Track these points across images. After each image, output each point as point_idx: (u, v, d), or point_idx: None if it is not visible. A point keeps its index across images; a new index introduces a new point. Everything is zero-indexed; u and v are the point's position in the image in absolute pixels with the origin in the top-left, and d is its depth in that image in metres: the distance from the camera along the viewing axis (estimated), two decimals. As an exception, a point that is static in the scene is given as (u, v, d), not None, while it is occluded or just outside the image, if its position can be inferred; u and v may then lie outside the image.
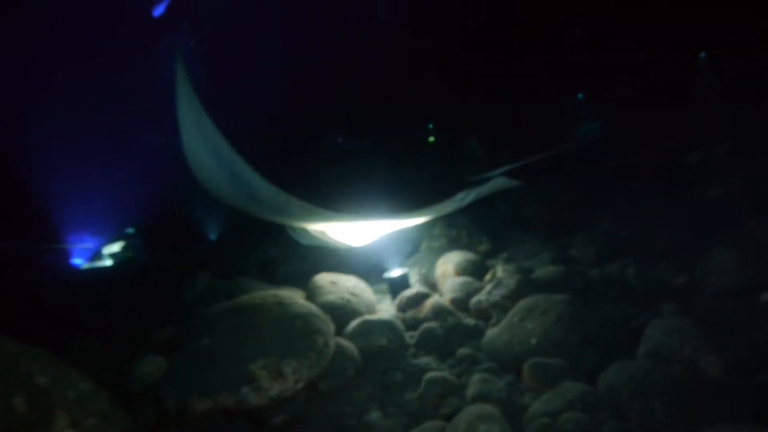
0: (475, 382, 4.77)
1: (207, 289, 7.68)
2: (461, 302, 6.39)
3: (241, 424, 4.37)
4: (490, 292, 6.17)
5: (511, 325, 5.42)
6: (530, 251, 7.86)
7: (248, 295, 5.51)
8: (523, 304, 5.58)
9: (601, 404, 4.08)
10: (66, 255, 11.41)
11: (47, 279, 10.54)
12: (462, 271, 6.88)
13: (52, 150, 11.56)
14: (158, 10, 13.29)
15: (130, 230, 11.79)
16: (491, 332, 5.70)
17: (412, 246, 8.38)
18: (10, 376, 3.14)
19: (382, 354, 5.45)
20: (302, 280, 8.25)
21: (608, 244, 7.31)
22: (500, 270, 6.40)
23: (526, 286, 6.13)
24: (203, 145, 4.75)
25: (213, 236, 11.77)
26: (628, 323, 5.32)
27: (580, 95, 12.63)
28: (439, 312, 6.02)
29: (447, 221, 8.22)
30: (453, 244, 7.90)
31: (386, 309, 6.66)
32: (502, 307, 5.99)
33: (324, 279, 6.48)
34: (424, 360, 5.42)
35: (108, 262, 11.10)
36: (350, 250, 8.20)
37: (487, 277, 6.59)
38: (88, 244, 11.69)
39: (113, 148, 12.50)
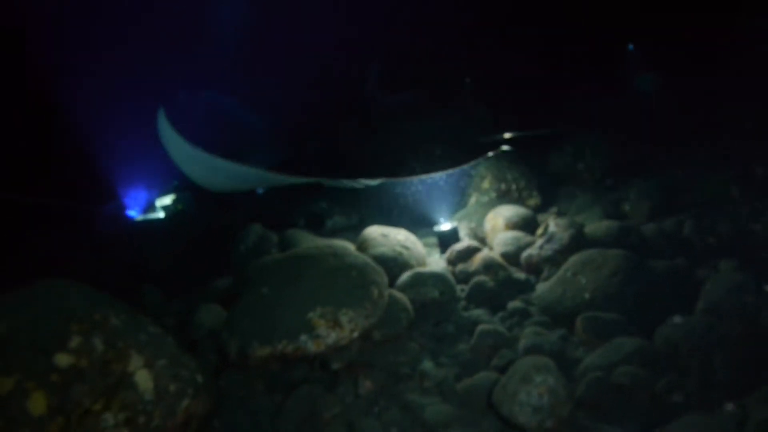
0: (527, 335, 4.81)
1: (259, 240, 7.83)
2: (512, 256, 6.38)
3: (299, 370, 4.53)
4: (541, 247, 6.13)
5: (564, 279, 5.39)
6: (582, 205, 7.74)
7: (305, 246, 5.63)
8: (576, 258, 5.54)
9: (658, 359, 4.06)
10: (121, 207, 11.79)
11: (105, 230, 10.95)
12: (512, 225, 6.83)
13: (106, 106, 11.83)
14: None
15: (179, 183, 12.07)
16: (543, 286, 5.69)
17: (461, 199, 8.36)
18: (89, 318, 3.31)
19: (434, 306, 5.52)
20: (350, 233, 8.38)
21: (663, 198, 7.14)
22: (552, 224, 6.32)
23: (578, 241, 6.07)
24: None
25: (261, 190, 11.95)
26: (686, 279, 5.24)
27: (630, 46, 12.16)
28: (489, 265, 6.02)
29: (497, 175, 8.15)
30: (503, 198, 7.84)
31: (436, 262, 6.70)
32: (553, 261, 5.96)
33: (375, 232, 6.53)
34: (476, 313, 5.46)
35: (161, 214, 11.42)
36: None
37: (539, 231, 6.53)
38: (142, 196, 12.04)
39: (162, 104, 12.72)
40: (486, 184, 8.08)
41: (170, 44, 12.76)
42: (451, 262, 6.33)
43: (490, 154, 8.35)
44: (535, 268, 6.10)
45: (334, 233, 8.73)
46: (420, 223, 8.01)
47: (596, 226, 6.57)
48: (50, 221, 10.82)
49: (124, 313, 3.62)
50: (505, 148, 8.53)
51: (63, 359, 3.06)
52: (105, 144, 11.65)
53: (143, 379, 3.30)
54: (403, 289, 5.50)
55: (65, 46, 11.90)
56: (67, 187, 11.68)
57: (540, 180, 8.54)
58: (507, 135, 9.13)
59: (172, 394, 3.38)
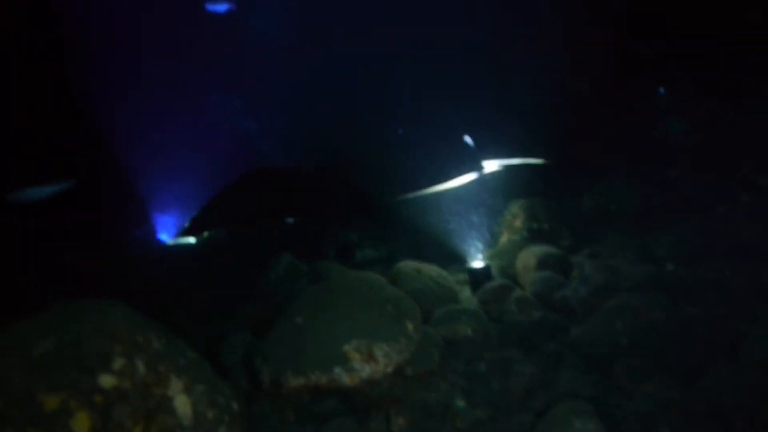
0: (564, 378, 4.72)
1: (289, 269, 7.87)
2: (544, 296, 6.30)
3: (330, 402, 4.50)
4: (576, 288, 6.06)
5: (600, 323, 5.31)
6: (614, 247, 7.65)
7: (340, 277, 5.63)
8: (612, 303, 5.46)
9: (700, 411, 3.95)
10: (153, 231, 11.98)
11: (136, 253, 11.11)
12: (544, 264, 6.77)
13: (141, 133, 12.12)
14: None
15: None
16: (578, 329, 5.60)
17: (491, 238, 8.34)
18: (132, 340, 3.34)
19: (466, 344, 5.46)
20: (379, 266, 8.38)
21: (698, 243, 7.03)
22: (587, 266, 6.26)
23: (613, 284, 5.99)
24: None
25: (290, 220, 12.07)
26: (725, 328, 5.11)
27: (661, 90, 12.16)
28: (523, 305, 5.96)
29: (529, 214, 8.13)
30: (534, 238, 7.79)
31: (467, 300, 6.65)
32: (588, 303, 5.87)
33: (408, 266, 6.54)
34: (509, 352, 5.38)
35: (191, 240, 11.57)
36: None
37: (574, 273, 6.47)
38: (173, 221, 12.23)
39: (197, 132, 13.07)
40: (518, 223, 8.06)
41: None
42: (484, 300, 6.28)
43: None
44: (569, 309, 6.01)
45: (363, 265, 8.74)
46: (450, 260, 7.99)
47: (632, 268, 6.49)
48: (84, 243, 11.02)
49: (165, 336, 3.64)
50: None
51: (107, 380, 3.08)
52: (140, 168, 11.90)
53: (182, 404, 3.30)
54: (436, 325, 5.47)
55: (105, 69, 12.27)
56: (101, 210, 11.94)
57: (572, 220, 8.48)
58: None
59: (210, 421, 3.37)
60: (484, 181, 9.18)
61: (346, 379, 4.33)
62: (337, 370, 4.33)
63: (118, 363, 3.18)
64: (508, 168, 9.05)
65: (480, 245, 7.87)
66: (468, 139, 10.78)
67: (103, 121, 11.71)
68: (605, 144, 9.95)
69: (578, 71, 9.90)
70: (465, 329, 5.50)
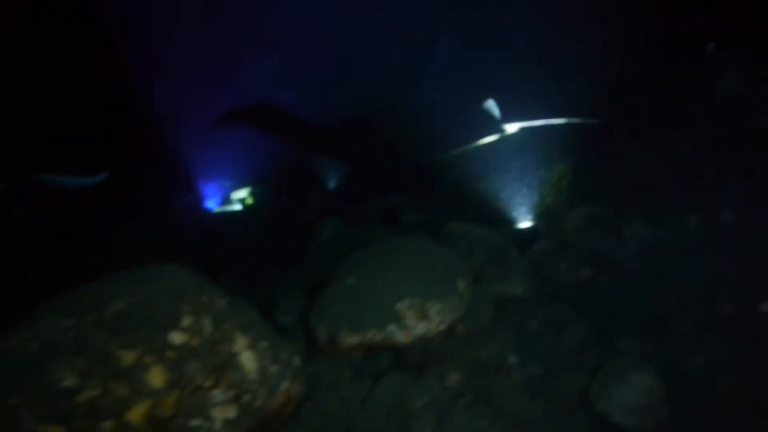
0: (616, 336, 4.71)
1: (335, 233, 7.99)
2: (593, 256, 6.23)
3: (384, 359, 4.61)
4: (625, 248, 6.01)
5: (651, 281, 5.26)
6: (664, 208, 7.49)
7: (389, 240, 5.69)
8: (663, 261, 5.40)
9: (763, 364, 3.90)
10: (200, 199, 12.26)
11: (184, 220, 11.41)
12: (592, 224, 6.68)
13: (190, 104, 12.31)
14: None
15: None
16: (629, 288, 5.55)
17: (538, 199, 8.26)
18: (197, 299, 3.48)
19: (517, 303, 5.48)
20: (424, 229, 8.41)
21: (753, 205, 6.81)
22: (636, 226, 6.19)
23: (663, 243, 5.91)
24: None
25: (332, 184, 12.19)
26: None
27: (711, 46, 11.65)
28: (572, 264, 5.94)
29: (576, 175, 8.00)
30: (581, 199, 7.67)
31: (516, 259, 6.63)
32: (638, 262, 5.81)
33: (456, 227, 6.54)
34: (560, 311, 5.38)
35: (237, 207, 11.81)
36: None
37: (623, 232, 6.38)
38: (219, 189, 12.49)
39: (243, 104, 13.23)
40: (564, 184, 7.94)
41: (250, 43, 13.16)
42: (533, 260, 6.26)
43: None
44: (619, 269, 5.94)
45: (408, 229, 8.78)
46: (496, 222, 7.95)
47: (682, 228, 6.35)
48: (134, 211, 11.36)
49: (226, 296, 3.77)
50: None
51: (177, 337, 3.22)
52: (185, 138, 12.12)
53: (247, 359, 3.43)
54: (486, 284, 5.49)
55: (149, 45, 12.45)
56: (149, 179, 12.25)
57: (620, 181, 8.31)
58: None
59: (274, 376, 3.50)
60: (528, 141, 9.02)
61: (400, 337, 4.42)
62: (392, 327, 4.42)
63: (186, 321, 3.32)
64: (553, 129, 8.87)
65: (526, 206, 7.81)
66: (491, 102, 10.66)
67: (150, 93, 11.94)
68: (654, 106, 9.65)
69: (626, 31, 9.55)
70: (515, 288, 5.52)
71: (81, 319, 3.23)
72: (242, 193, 12.02)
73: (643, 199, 8.15)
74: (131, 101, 11.87)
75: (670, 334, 4.64)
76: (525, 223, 7.03)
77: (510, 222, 7.44)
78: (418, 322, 4.45)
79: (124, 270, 3.83)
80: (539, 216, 7.64)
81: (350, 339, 4.47)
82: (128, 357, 3.07)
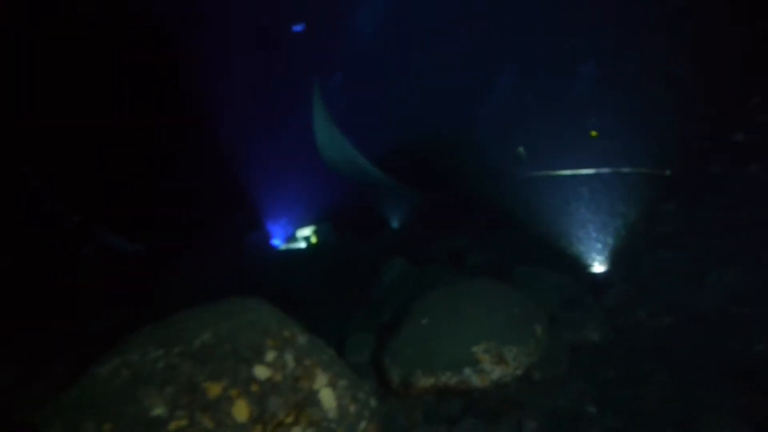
0: (702, 389, 4.46)
1: (402, 273, 7.97)
2: (675, 303, 5.97)
3: (456, 403, 4.50)
4: (711, 296, 5.74)
5: (740, 332, 4.97)
6: (752, 255, 7.15)
7: (460, 282, 5.63)
8: (752, 311, 5.10)
9: None
10: (266, 236, 12.54)
11: (251, 256, 11.67)
12: (673, 270, 6.44)
13: (257, 145, 12.74)
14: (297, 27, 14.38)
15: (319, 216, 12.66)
16: (715, 338, 5.27)
17: (613, 242, 8.01)
18: (280, 334, 3.51)
19: (593, 350, 5.29)
20: (492, 271, 8.28)
21: None
22: (723, 272, 5.90)
23: (752, 293, 5.60)
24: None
25: (396, 224, 12.24)
26: None
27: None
28: (653, 312, 5.70)
29: (654, 219, 7.76)
30: (661, 243, 7.41)
31: (591, 305, 6.43)
32: (726, 312, 5.52)
33: (528, 271, 6.44)
34: (640, 360, 5.15)
35: (302, 245, 11.99)
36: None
37: (708, 280, 6.10)
38: (285, 227, 12.74)
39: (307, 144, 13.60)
40: (642, 227, 7.70)
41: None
42: (609, 306, 6.05)
43: None
44: (704, 318, 5.66)
45: (475, 270, 8.67)
46: (566, 265, 7.74)
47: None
48: (204, 246, 11.71)
49: (306, 332, 3.80)
50: None
51: (261, 371, 3.25)
52: (255, 176, 12.49)
53: (327, 397, 3.42)
54: (562, 330, 5.33)
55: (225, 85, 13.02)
56: (219, 215, 12.65)
57: (701, 226, 8.01)
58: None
59: (353, 415, 3.47)
60: (604, 183, 8.82)
61: (476, 381, 4.32)
62: (467, 371, 4.33)
63: (270, 355, 3.35)
64: (632, 173, 8.64)
65: (600, 250, 7.59)
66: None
67: (223, 132, 12.47)
68: (731, 154, 9.33)
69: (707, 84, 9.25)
70: (591, 335, 5.34)
71: (169, 350, 3.31)
72: (307, 231, 12.21)
73: (727, 244, 7.81)
74: (209, 146, 12.40)
75: (761, 386, 4.36)
76: (599, 268, 6.81)
77: (583, 266, 7.23)
78: (494, 367, 4.35)
79: (204, 302, 3.94)
80: (614, 260, 7.40)
81: (424, 381, 4.40)
82: (214, 389, 3.11)
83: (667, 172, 8.92)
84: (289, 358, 3.41)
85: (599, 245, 7.54)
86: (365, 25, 14.45)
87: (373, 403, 3.76)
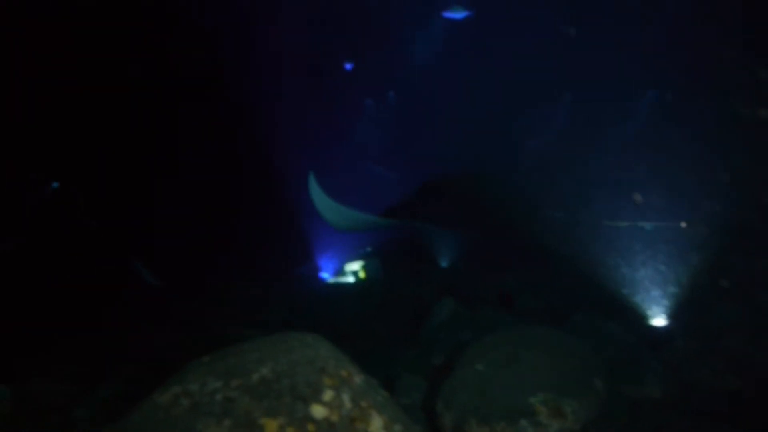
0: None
1: (452, 314, 7.85)
2: (742, 363, 5.69)
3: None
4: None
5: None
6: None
7: (515, 327, 5.51)
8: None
9: None
10: (315, 269, 12.60)
11: (301, 289, 11.74)
12: (742, 326, 6.14)
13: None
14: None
15: (369, 250, 12.68)
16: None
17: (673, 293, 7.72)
18: (338, 373, 3.47)
19: (653, 406, 5.07)
20: (544, 316, 8.09)
21: None
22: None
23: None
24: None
25: (445, 262, 12.13)
26: None
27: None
28: (718, 371, 5.43)
29: (720, 269, 7.44)
30: (726, 297, 7.10)
31: (649, 359, 6.18)
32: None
33: (585, 319, 6.26)
34: (702, 422, 4.89)
35: (350, 279, 11.99)
36: None
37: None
38: (333, 261, 12.79)
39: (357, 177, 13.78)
40: (705, 280, 7.38)
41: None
42: (671, 362, 5.80)
43: None
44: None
45: (525, 314, 8.48)
46: (622, 314, 7.48)
47: None
48: (255, 278, 11.87)
49: (362, 373, 3.74)
50: None
51: (318, 410, 3.21)
52: (306, 212, 12.64)
53: (382, 441, 3.35)
54: (621, 383, 5.13)
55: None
56: (270, 246, 12.83)
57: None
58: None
59: (407, 461, 3.38)
60: (664, 230, 8.51)
61: (532, 433, 4.17)
62: (524, 422, 4.18)
63: (328, 395, 3.31)
64: (693, 223, 8.32)
65: (659, 300, 7.31)
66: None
67: (275, 162, 12.72)
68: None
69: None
70: (652, 391, 5.11)
71: (227, 382, 3.31)
72: (355, 265, 12.22)
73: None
74: (260, 178, 12.66)
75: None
76: (658, 320, 6.56)
77: (640, 316, 6.97)
78: (551, 420, 4.19)
79: (254, 328, 3.95)
80: (675, 312, 7.11)
81: (478, 430, 4.26)
82: (271, 425, 3.08)
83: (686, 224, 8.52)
84: (346, 399, 3.36)
85: (658, 295, 7.27)
86: (415, 56, 14.66)
87: (425, 449, 3.67)
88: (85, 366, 7.10)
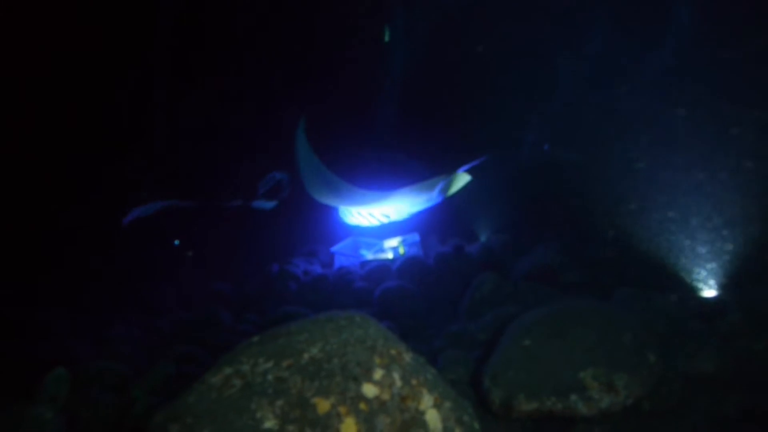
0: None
1: (494, 289, 7.80)
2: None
3: (562, 430, 4.31)
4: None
5: None
6: None
7: (561, 301, 5.43)
8: None
9: None
10: (355, 246, 12.66)
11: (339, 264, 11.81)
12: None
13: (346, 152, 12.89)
14: None
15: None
16: None
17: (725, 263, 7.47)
18: (387, 352, 3.48)
19: (709, 382, 4.95)
20: (588, 290, 7.96)
21: None
22: None
23: None
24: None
25: (485, 237, 12.04)
26: None
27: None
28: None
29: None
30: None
31: (702, 333, 6.03)
32: None
33: (632, 293, 6.13)
34: (761, 396, 4.76)
35: (389, 255, 12.01)
36: None
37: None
38: (371, 237, 12.81)
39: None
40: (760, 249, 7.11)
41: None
42: (725, 335, 5.64)
43: None
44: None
45: (568, 288, 8.35)
46: (669, 287, 7.27)
47: None
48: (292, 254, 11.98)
49: (411, 351, 3.74)
50: None
51: (369, 389, 3.23)
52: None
53: (433, 419, 3.34)
54: (674, 359, 5.01)
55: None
56: (309, 223, 12.91)
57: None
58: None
59: (458, 438, 3.38)
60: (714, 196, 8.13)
61: (582, 408, 4.12)
62: (574, 397, 4.14)
63: (378, 373, 3.32)
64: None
65: (710, 271, 7.10)
66: None
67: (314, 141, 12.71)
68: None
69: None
70: (706, 365, 4.99)
71: (279, 363, 3.35)
72: (394, 242, 12.23)
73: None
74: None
75: None
76: (708, 292, 6.37)
77: (689, 289, 6.79)
78: (603, 395, 4.14)
79: (313, 314, 3.98)
80: (727, 284, 6.90)
81: (527, 406, 4.24)
82: (323, 405, 3.11)
83: None
84: (396, 377, 3.37)
85: (709, 267, 7.05)
86: None
87: (477, 426, 3.64)
88: (141, 347, 7.32)
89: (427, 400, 3.41)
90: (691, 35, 9.52)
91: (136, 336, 7.73)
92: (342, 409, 3.12)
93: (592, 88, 11.07)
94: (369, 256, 12.20)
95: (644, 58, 10.12)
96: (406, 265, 10.35)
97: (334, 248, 12.43)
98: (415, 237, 12.11)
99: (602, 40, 11.34)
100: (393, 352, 3.53)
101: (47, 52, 10.88)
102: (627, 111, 9.61)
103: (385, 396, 3.26)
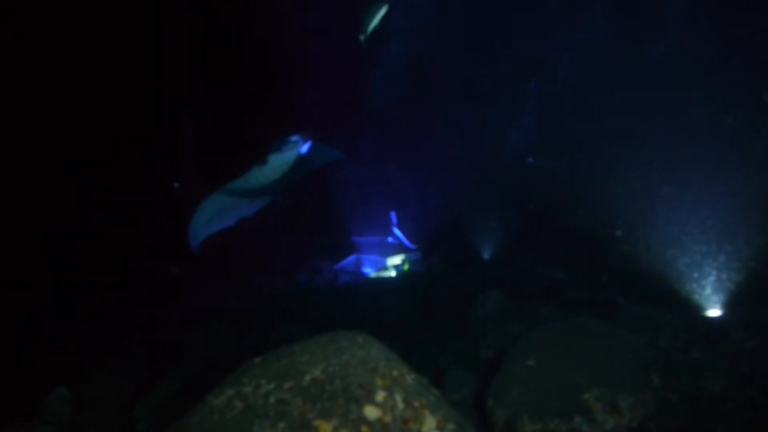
0: None
1: (497, 306, 7.77)
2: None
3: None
4: None
5: None
6: None
7: (565, 320, 5.41)
8: None
9: None
10: (358, 263, 12.67)
11: (343, 282, 11.81)
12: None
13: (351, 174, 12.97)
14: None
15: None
16: None
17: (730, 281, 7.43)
18: (389, 374, 3.47)
19: (714, 402, 4.90)
20: (592, 308, 7.91)
21: None
22: None
23: None
24: None
25: (487, 254, 12.02)
26: None
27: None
28: (781, 363, 5.22)
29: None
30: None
31: (707, 351, 5.99)
32: None
33: (637, 311, 6.11)
34: (762, 414, 4.72)
35: (392, 273, 12.00)
36: None
37: None
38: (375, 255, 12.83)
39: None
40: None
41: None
42: (730, 355, 5.59)
43: None
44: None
45: (572, 307, 8.31)
46: (674, 305, 7.22)
47: None
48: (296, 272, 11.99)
49: (412, 372, 3.73)
50: None
51: (371, 412, 3.21)
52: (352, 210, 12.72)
53: (435, 441, 3.33)
54: (679, 377, 4.98)
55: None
56: (312, 241, 12.93)
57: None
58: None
59: (461, 461, 3.36)
60: (717, 216, 8.12)
61: (586, 430, 4.09)
62: (578, 419, 4.11)
63: (380, 395, 3.31)
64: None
65: (714, 288, 7.06)
66: None
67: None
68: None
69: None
70: (712, 385, 4.95)
71: (281, 384, 3.35)
72: (397, 259, 12.23)
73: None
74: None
75: None
76: (714, 311, 6.33)
77: (694, 308, 6.75)
78: (607, 416, 4.11)
79: (314, 334, 3.97)
80: (731, 303, 6.86)
81: (531, 427, 4.21)
82: (325, 428, 3.10)
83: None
84: (398, 399, 3.36)
85: (713, 285, 7.02)
86: None
87: (480, 448, 3.64)
88: (145, 364, 7.30)
89: (429, 422, 3.39)
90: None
91: (141, 353, 7.73)
92: (344, 432, 3.11)
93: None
94: (372, 273, 12.20)
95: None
96: (409, 282, 10.33)
97: (338, 265, 12.44)
98: (419, 255, 12.13)
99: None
100: (395, 373, 3.52)
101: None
102: (628, 132, 9.68)
103: (388, 418, 3.24)
